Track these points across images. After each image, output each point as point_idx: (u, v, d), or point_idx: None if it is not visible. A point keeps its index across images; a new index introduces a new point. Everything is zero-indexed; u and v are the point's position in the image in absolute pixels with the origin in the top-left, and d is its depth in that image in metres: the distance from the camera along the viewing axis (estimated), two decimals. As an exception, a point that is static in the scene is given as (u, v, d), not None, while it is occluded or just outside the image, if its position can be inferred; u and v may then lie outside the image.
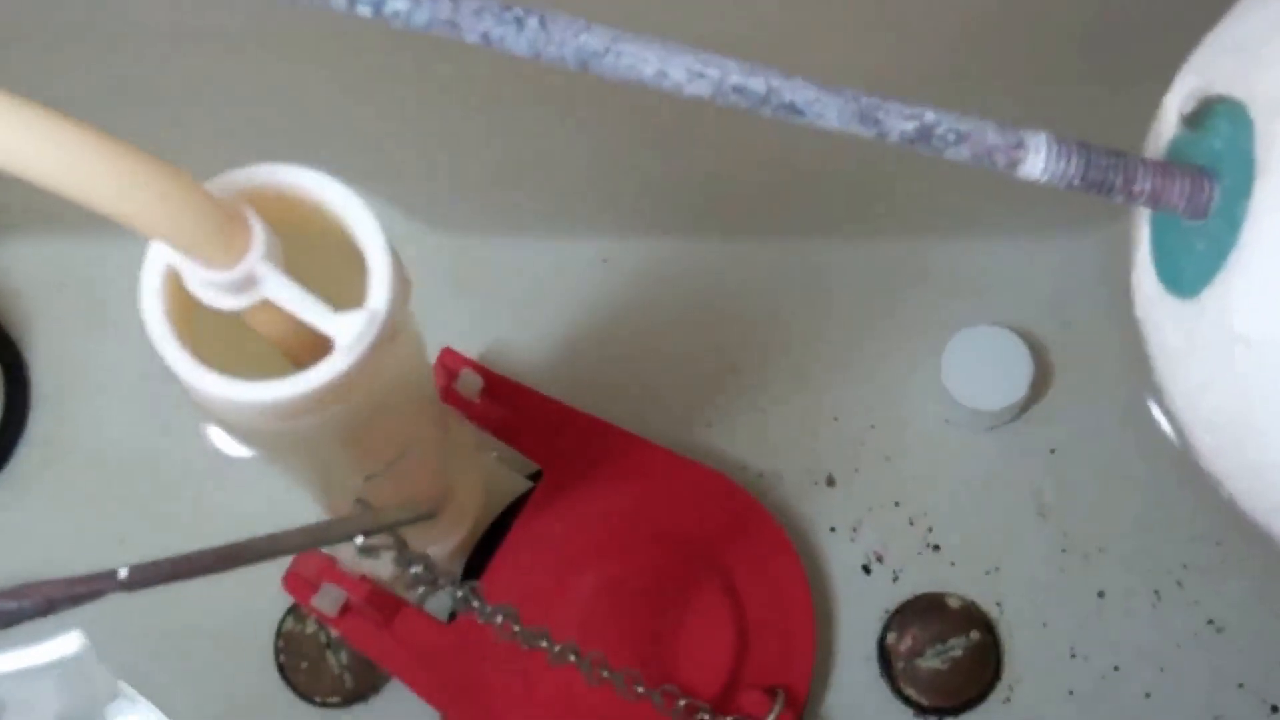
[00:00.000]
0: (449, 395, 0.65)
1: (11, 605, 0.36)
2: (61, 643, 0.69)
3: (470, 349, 0.71)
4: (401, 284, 0.40)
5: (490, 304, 0.75)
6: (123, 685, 0.66)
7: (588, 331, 0.74)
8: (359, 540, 0.41)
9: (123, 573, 0.36)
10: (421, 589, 0.47)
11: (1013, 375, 0.70)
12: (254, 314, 0.40)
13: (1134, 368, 0.71)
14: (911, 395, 0.73)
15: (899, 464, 0.72)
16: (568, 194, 0.73)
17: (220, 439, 0.41)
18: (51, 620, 0.37)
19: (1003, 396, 0.70)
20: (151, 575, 0.36)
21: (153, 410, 0.72)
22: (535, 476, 0.68)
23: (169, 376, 0.40)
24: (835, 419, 0.73)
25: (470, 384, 0.66)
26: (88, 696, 0.67)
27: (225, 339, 0.41)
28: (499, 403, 0.67)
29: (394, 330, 0.40)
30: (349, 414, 0.41)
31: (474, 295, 0.75)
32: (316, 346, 0.40)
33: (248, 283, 0.37)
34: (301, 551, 0.40)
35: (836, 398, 0.73)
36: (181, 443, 0.71)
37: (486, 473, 0.68)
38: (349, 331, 0.38)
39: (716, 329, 0.75)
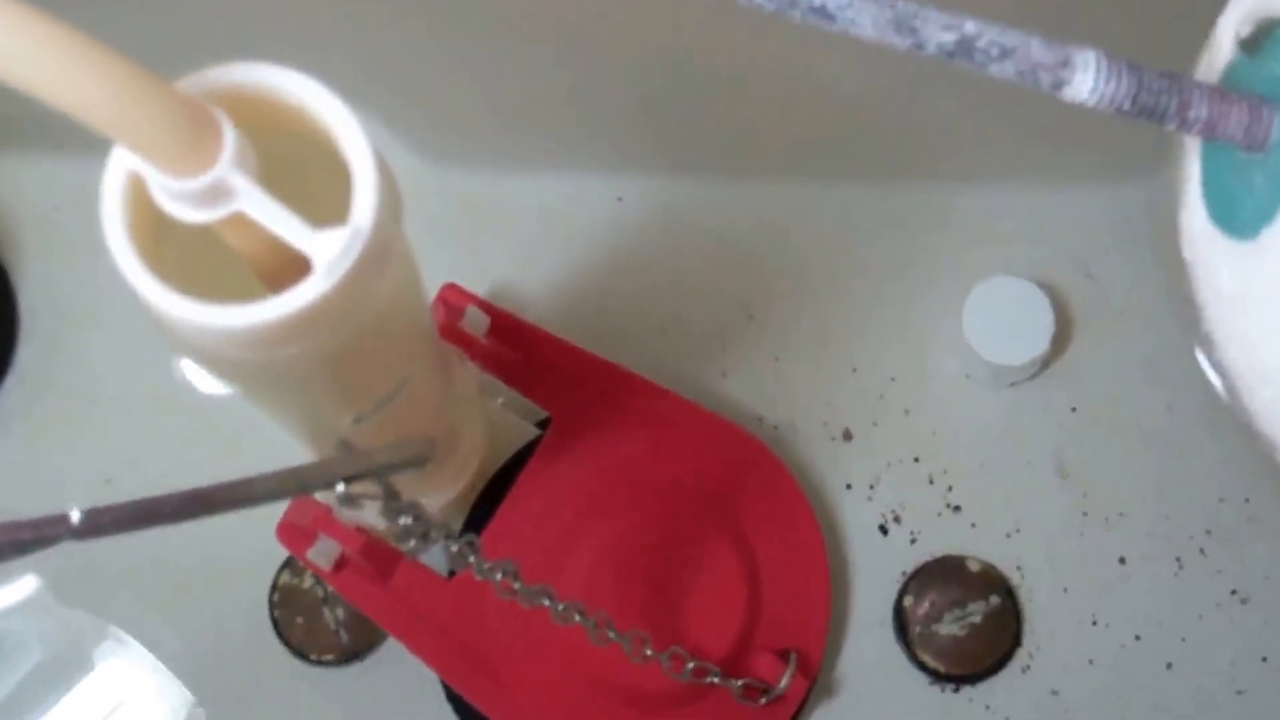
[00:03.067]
0: (452, 334, 0.61)
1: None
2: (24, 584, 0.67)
3: (478, 289, 0.68)
4: (391, 200, 0.37)
5: (500, 243, 0.72)
6: (112, 628, 0.64)
7: (600, 273, 0.72)
8: (340, 487, 0.38)
9: (75, 517, 0.32)
10: (413, 542, 0.44)
11: (1035, 329, 0.67)
12: (227, 231, 0.36)
13: (1158, 325, 0.69)
14: (933, 348, 0.70)
15: (918, 419, 0.69)
16: (582, 130, 0.70)
17: (192, 373, 0.38)
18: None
19: (1024, 351, 0.67)
20: (108, 521, 0.33)
21: (148, 347, 0.69)
22: (543, 424, 0.65)
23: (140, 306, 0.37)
24: (854, 370, 0.70)
25: (477, 322, 0.62)
26: (73, 639, 0.65)
27: (201, 264, 0.38)
28: (506, 343, 0.63)
29: (382, 252, 0.37)
30: (333, 346, 0.38)
31: (483, 234, 0.72)
32: (297, 266, 0.37)
33: (217, 193, 0.34)
34: (275, 499, 0.37)
35: (856, 348, 0.70)
36: (177, 382, 0.68)
37: (491, 419, 0.65)
38: (330, 251, 0.35)
39: (734, 274, 0.72)
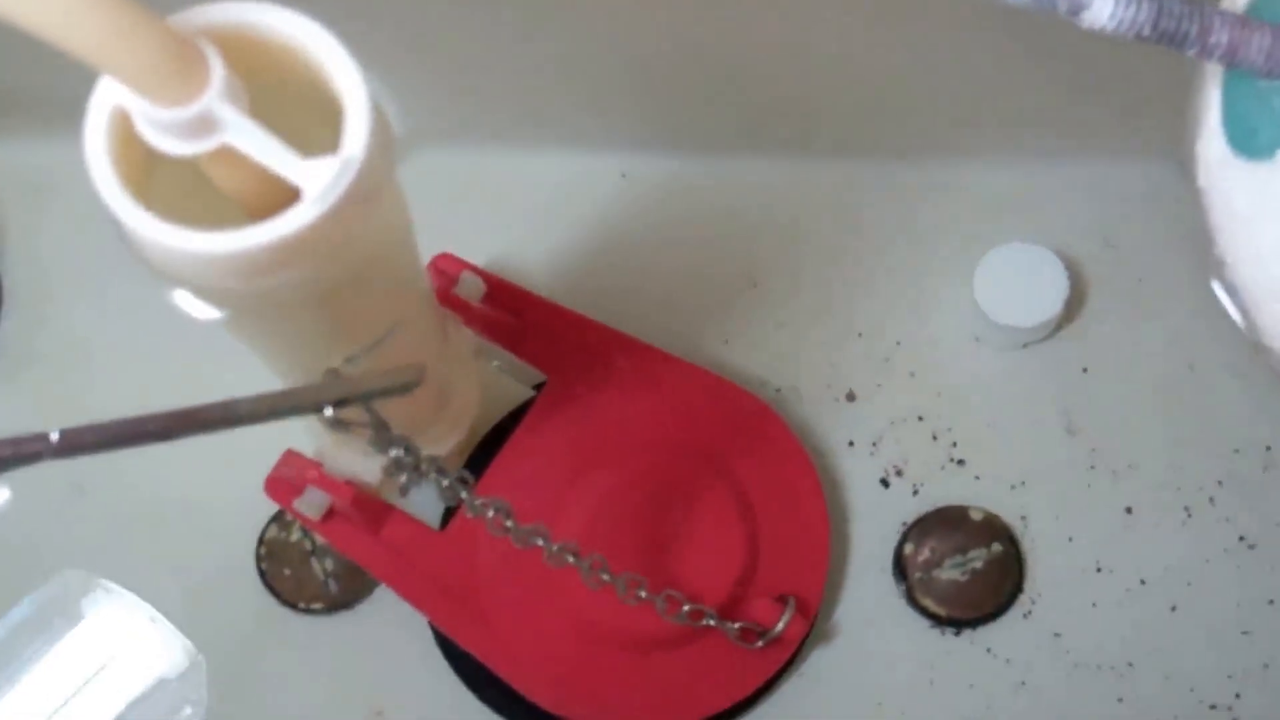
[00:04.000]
0: (447, 300, 0.62)
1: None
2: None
3: (481, 258, 0.69)
4: (383, 136, 0.38)
5: (502, 218, 0.72)
6: (101, 580, 0.65)
7: (604, 247, 0.72)
8: (328, 411, 0.38)
9: (54, 435, 0.33)
10: (404, 477, 0.45)
11: (1047, 292, 0.67)
12: (214, 165, 0.37)
13: (1178, 292, 0.70)
14: (942, 312, 0.70)
15: (925, 380, 0.70)
16: (586, 105, 0.71)
17: (187, 302, 0.38)
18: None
19: (1036, 313, 0.67)
20: (87, 439, 0.33)
21: (133, 312, 0.70)
22: (539, 388, 0.66)
23: (123, 242, 0.38)
24: (860, 335, 0.70)
25: (471, 287, 0.63)
26: (59, 590, 0.65)
27: (188, 199, 0.39)
28: (502, 308, 0.64)
29: (373, 188, 0.38)
30: (322, 281, 0.39)
31: (486, 210, 0.72)
32: (285, 206, 0.38)
33: (204, 124, 0.35)
34: (260, 421, 0.37)
35: (862, 314, 0.71)
36: (165, 346, 0.69)
37: (485, 381, 0.65)
38: (319, 179, 0.36)
39: (738, 245, 0.72)
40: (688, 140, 0.72)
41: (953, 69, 0.66)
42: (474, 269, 0.63)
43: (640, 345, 0.65)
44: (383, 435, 0.41)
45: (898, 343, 0.70)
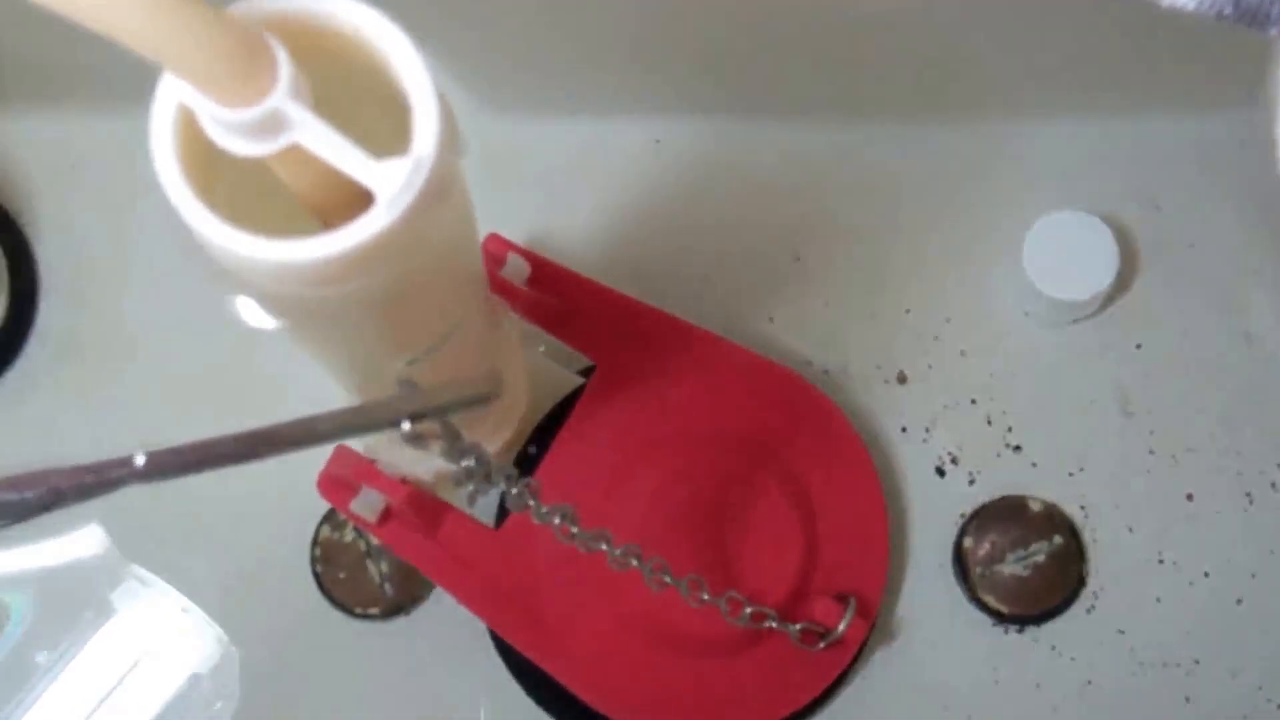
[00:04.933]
0: (493, 282, 0.60)
1: (12, 496, 0.32)
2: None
3: (514, 237, 0.66)
4: (450, 132, 0.36)
5: (534, 190, 0.70)
6: (134, 568, 0.63)
7: (639, 219, 0.70)
8: (405, 426, 0.36)
9: (139, 459, 0.31)
10: (473, 486, 0.43)
11: (1098, 264, 0.65)
12: (281, 166, 0.35)
13: (1231, 256, 0.67)
14: (990, 287, 0.68)
15: (975, 359, 0.67)
16: (616, 70, 0.68)
17: (247, 310, 0.36)
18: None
19: (1087, 286, 0.65)
20: (172, 463, 0.31)
21: (171, 298, 0.68)
22: (587, 373, 0.64)
23: (190, 246, 0.36)
24: (907, 312, 0.68)
25: (517, 270, 0.61)
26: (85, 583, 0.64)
27: (250, 204, 0.37)
28: (547, 291, 0.61)
29: (444, 185, 0.36)
30: (390, 283, 0.37)
31: (517, 181, 0.70)
32: (352, 204, 0.35)
33: (272, 124, 0.33)
34: (340, 438, 0.35)
35: (909, 289, 0.68)
36: (203, 333, 0.67)
37: (532, 368, 0.63)
38: (392, 182, 0.33)
39: (778, 216, 0.70)
40: (721, 104, 0.70)
41: (996, 28, 0.64)
42: (519, 250, 0.61)
43: (688, 327, 0.63)
44: (456, 446, 0.39)
45: (947, 319, 0.68)
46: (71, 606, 0.65)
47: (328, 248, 0.33)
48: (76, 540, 0.66)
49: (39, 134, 0.71)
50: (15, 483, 0.32)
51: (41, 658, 0.64)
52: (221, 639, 0.65)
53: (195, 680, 0.64)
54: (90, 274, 0.69)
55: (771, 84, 0.69)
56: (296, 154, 0.34)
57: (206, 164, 0.35)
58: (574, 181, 0.70)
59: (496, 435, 0.60)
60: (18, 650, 0.65)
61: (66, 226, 0.70)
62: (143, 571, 0.65)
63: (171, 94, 0.33)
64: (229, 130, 0.33)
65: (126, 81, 0.65)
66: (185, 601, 0.65)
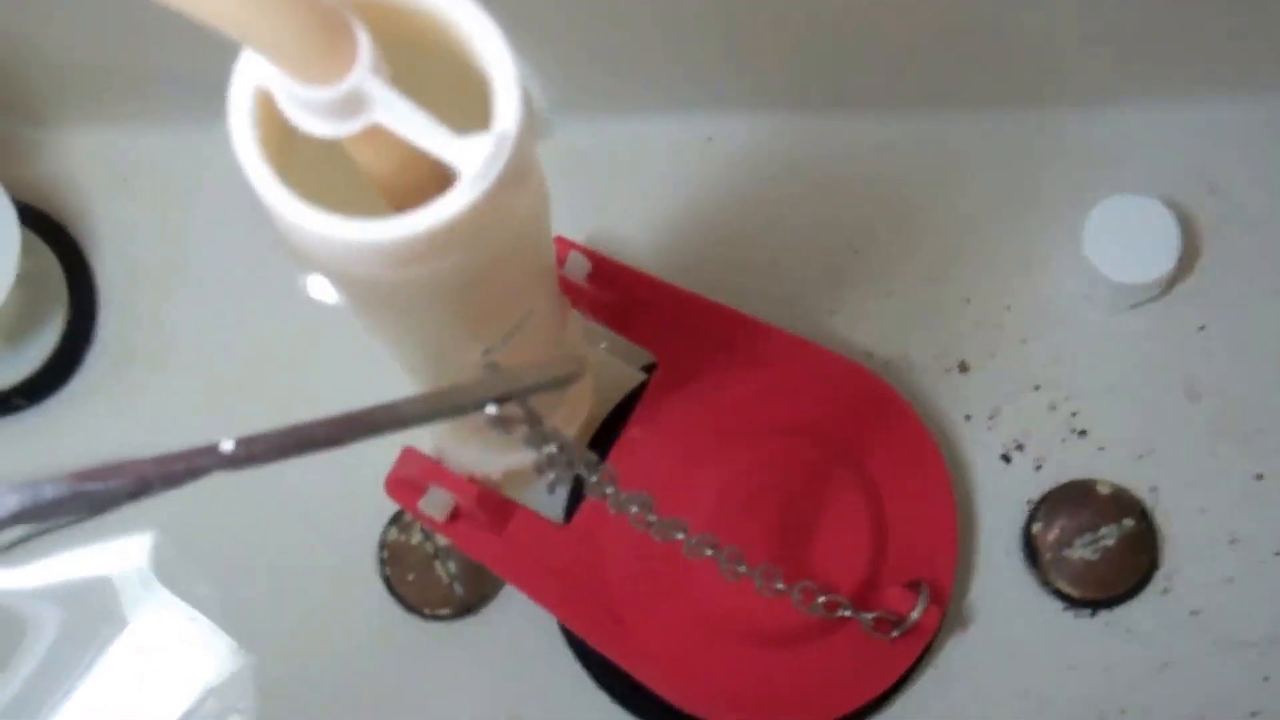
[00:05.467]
0: (559, 281, 0.60)
1: (99, 487, 0.32)
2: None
3: (571, 235, 0.66)
4: (531, 113, 0.35)
5: (588, 189, 0.70)
6: (141, 576, 0.63)
7: (696, 216, 0.70)
8: (491, 409, 0.36)
9: (227, 446, 0.31)
10: (554, 473, 0.42)
11: (1160, 247, 0.65)
12: (358, 145, 0.35)
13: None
14: (1050, 273, 0.68)
15: (1037, 346, 0.67)
16: (666, 68, 0.68)
17: (321, 290, 0.36)
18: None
19: (1149, 269, 0.64)
20: (259, 449, 0.31)
21: (226, 306, 0.68)
22: (648, 369, 0.64)
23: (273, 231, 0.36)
24: (967, 300, 0.68)
25: (577, 267, 0.60)
26: (98, 596, 0.63)
27: (320, 176, 0.37)
28: (608, 287, 0.61)
29: (524, 164, 0.35)
30: (468, 267, 0.37)
31: (570, 180, 0.69)
32: (426, 189, 0.35)
33: (353, 102, 0.32)
34: (426, 422, 0.35)
35: (968, 278, 0.68)
36: (260, 339, 0.67)
37: (594, 365, 0.63)
38: (477, 158, 0.33)
39: (833, 209, 0.69)
40: (772, 98, 0.70)
41: (1053, 12, 0.64)
42: (579, 247, 0.61)
43: (748, 320, 0.63)
44: (537, 431, 0.39)
45: (1008, 307, 0.68)
46: (91, 620, 0.65)
47: (412, 226, 0.33)
48: (100, 553, 0.67)
49: (91, 147, 0.71)
50: (100, 473, 0.32)
51: (63, 673, 0.64)
52: (235, 649, 0.65)
53: (209, 693, 0.64)
54: (146, 285, 0.70)
55: (822, 77, 0.68)
56: (374, 134, 0.34)
57: (283, 148, 0.35)
58: (627, 180, 0.70)
59: (565, 430, 0.60)
60: (41, 666, 0.65)
61: (121, 239, 0.70)
62: (150, 578, 0.65)
63: (249, 77, 0.33)
64: (308, 110, 0.33)
65: (176, 94, 0.66)
66: (193, 612, 0.65)
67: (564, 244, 0.61)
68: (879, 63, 0.67)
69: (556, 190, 0.68)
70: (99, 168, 0.71)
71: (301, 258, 0.36)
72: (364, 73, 0.32)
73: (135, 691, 0.64)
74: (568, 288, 0.60)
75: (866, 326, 0.68)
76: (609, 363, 0.64)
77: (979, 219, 0.69)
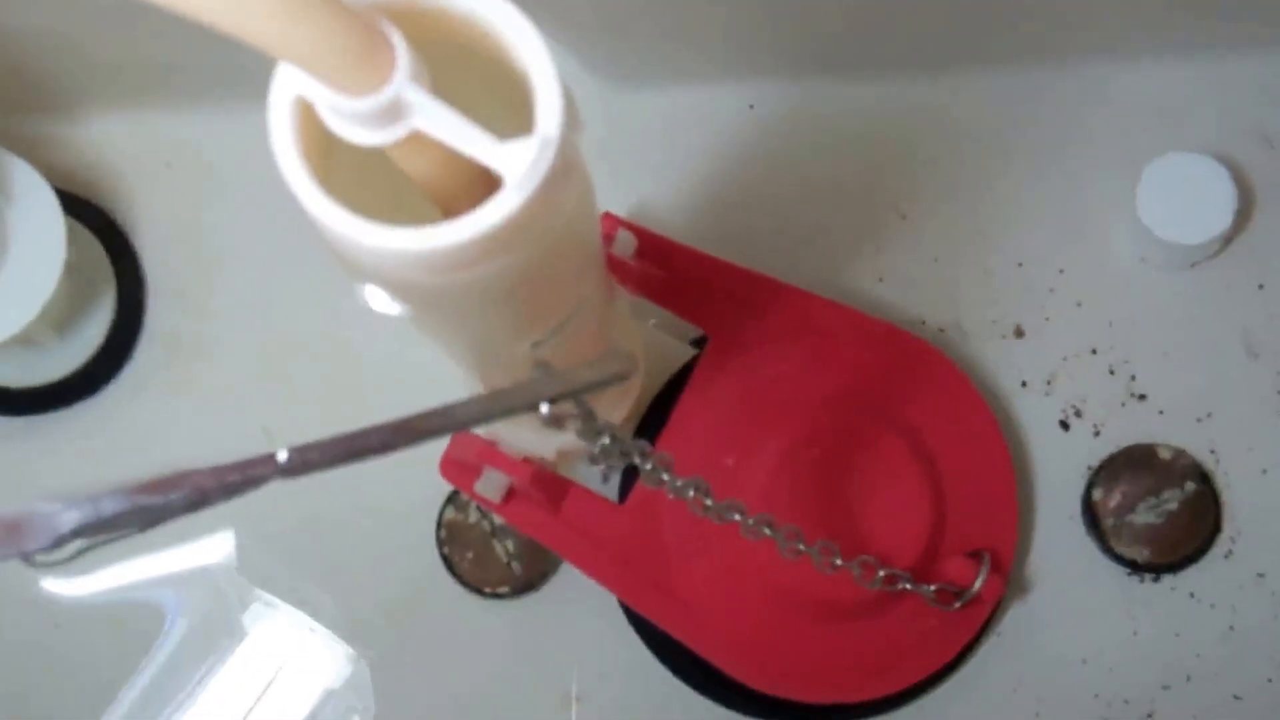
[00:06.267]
0: (607, 260, 0.59)
1: (158, 500, 0.32)
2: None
3: (616, 210, 0.66)
4: (572, 110, 0.35)
5: (630, 161, 0.69)
6: (258, 592, 0.63)
7: (739, 184, 0.69)
8: (544, 408, 0.36)
9: (282, 455, 0.31)
10: (607, 463, 0.42)
11: (1215, 205, 0.64)
12: (400, 154, 0.35)
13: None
14: (1104, 234, 0.67)
15: (1093, 309, 0.66)
16: (705, 35, 0.67)
17: (374, 297, 0.36)
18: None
19: (1205, 228, 0.63)
20: (315, 458, 0.31)
21: (274, 291, 0.69)
22: (699, 343, 0.63)
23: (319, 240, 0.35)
24: (1020, 265, 0.67)
25: (624, 244, 0.60)
26: (218, 606, 0.64)
27: (363, 182, 0.36)
28: (655, 263, 0.61)
29: (568, 164, 0.35)
30: (517, 267, 0.36)
31: (611, 153, 0.69)
32: (473, 189, 0.35)
33: (394, 110, 0.32)
34: (480, 424, 0.35)
35: (1020, 242, 0.67)
36: (310, 324, 0.67)
37: (646, 342, 0.63)
38: (520, 163, 0.33)
39: (880, 173, 0.69)
40: (812, 63, 0.69)
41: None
42: (626, 223, 0.61)
43: (797, 292, 0.62)
44: (590, 425, 0.39)
45: (1061, 271, 0.67)
46: (209, 628, 0.66)
47: (458, 234, 0.33)
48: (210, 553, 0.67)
49: (132, 134, 0.71)
50: (157, 486, 0.32)
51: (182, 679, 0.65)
52: (351, 654, 0.65)
53: (329, 696, 0.65)
54: (194, 272, 0.70)
55: (864, 41, 0.67)
56: (417, 140, 0.34)
57: (323, 154, 0.35)
58: (670, 151, 0.69)
59: (614, 410, 0.60)
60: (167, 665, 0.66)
61: (167, 226, 0.70)
62: (268, 595, 0.66)
63: (288, 86, 0.33)
64: (349, 120, 0.33)
65: (215, 79, 0.66)
66: (312, 621, 0.66)
67: (611, 221, 0.60)
68: (923, 23, 0.66)
69: (598, 166, 0.68)
70: (142, 155, 0.71)
71: (346, 265, 0.35)
72: (403, 81, 0.32)
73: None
74: (615, 265, 0.60)
75: (918, 292, 0.67)
76: (659, 339, 0.64)
77: (1029, 181, 0.68)
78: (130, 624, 0.66)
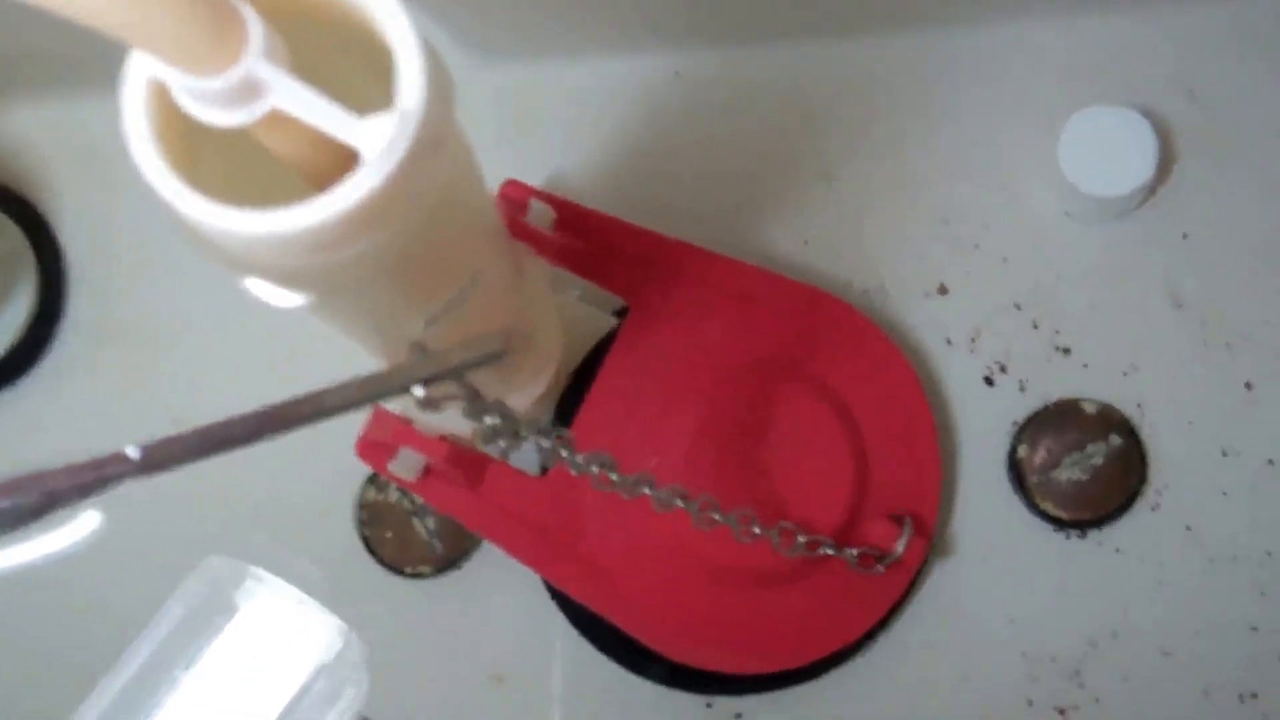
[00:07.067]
0: (518, 230, 0.59)
1: (4, 504, 0.31)
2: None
3: (539, 182, 0.65)
4: (440, 82, 0.34)
5: (555, 132, 0.69)
6: (251, 569, 0.63)
7: (665, 153, 0.68)
8: (419, 391, 0.35)
9: (133, 452, 0.30)
10: (502, 443, 0.42)
11: (1137, 156, 0.63)
12: (266, 134, 0.34)
13: (1275, 135, 0.65)
14: (1027, 189, 0.66)
15: (1018, 265, 0.66)
16: (628, 4, 0.67)
17: (260, 289, 0.35)
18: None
19: (1128, 180, 0.63)
20: (173, 452, 0.30)
21: (201, 280, 0.67)
22: (621, 313, 0.63)
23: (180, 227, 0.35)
24: (944, 223, 0.66)
25: (542, 216, 0.59)
26: (213, 585, 0.63)
27: (250, 179, 0.36)
28: (574, 234, 0.60)
29: (435, 139, 0.34)
30: (394, 243, 0.36)
31: (538, 125, 0.69)
32: (346, 169, 0.34)
33: (248, 90, 0.31)
34: (349, 411, 0.34)
35: (944, 200, 0.67)
36: (233, 311, 0.66)
37: (566, 313, 0.62)
38: (378, 139, 0.32)
39: (806, 138, 0.68)
40: (738, 29, 0.68)
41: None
42: (542, 195, 0.60)
43: (718, 258, 0.62)
44: (476, 405, 0.38)
45: (986, 226, 0.66)
46: (200, 606, 0.65)
47: (315, 214, 0.32)
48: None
49: (55, 123, 0.70)
50: (8, 488, 0.31)
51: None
52: (342, 627, 0.64)
53: (321, 670, 0.64)
54: (116, 259, 0.69)
55: (787, 5, 0.67)
56: (279, 120, 0.33)
57: (190, 136, 0.34)
58: (596, 121, 0.69)
59: (534, 383, 0.59)
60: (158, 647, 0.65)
61: (88, 213, 0.69)
62: (258, 569, 0.65)
63: (141, 70, 0.32)
64: (204, 101, 0.32)
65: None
66: (300, 594, 0.65)
67: (524, 191, 0.59)
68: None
69: (522, 135, 0.67)
70: (64, 143, 0.70)
71: (217, 258, 0.35)
72: (256, 59, 0.31)
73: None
74: (531, 236, 0.59)
75: (843, 255, 0.66)
76: (581, 310, 0.64)
77: (952, 140, 0.67)
78: (121, 603, 0.65)
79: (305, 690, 0.63)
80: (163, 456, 0.30)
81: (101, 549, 0.67)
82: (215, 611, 0.64)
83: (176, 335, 0.68)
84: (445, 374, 0.35)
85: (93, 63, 0.66)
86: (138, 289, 0.68)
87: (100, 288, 0.69)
